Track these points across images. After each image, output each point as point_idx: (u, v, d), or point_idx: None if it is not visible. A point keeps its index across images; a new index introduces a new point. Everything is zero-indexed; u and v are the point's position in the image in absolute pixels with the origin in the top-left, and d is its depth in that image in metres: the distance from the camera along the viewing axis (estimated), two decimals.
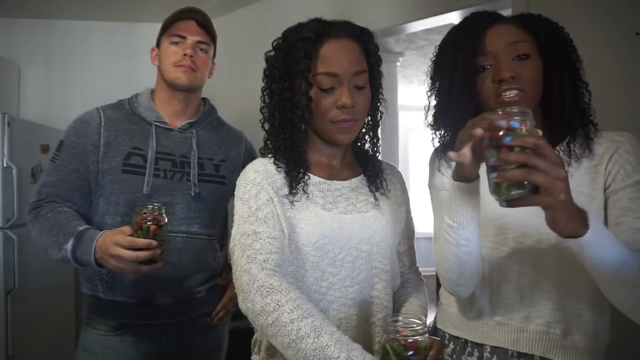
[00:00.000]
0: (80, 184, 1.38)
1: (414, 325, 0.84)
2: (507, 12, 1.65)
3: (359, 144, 1.14)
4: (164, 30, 1.46)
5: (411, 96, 6.19)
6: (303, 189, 1.01)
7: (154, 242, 1.14)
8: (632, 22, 1.62)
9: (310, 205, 1.01)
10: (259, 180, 1.01)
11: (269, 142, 1.07)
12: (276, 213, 0.98)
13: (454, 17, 2.16)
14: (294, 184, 1.01)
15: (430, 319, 1.18)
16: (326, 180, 1.06)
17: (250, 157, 1.54)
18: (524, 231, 1.00)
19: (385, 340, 0.84)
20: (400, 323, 0.84)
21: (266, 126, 1.07)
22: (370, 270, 1.03)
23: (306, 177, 1.03)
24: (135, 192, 1.36)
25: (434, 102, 1.10)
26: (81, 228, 1.27)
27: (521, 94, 0.96)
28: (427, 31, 3.23)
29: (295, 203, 1.00)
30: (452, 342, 1.10)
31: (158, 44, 1.48)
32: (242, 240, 0.96)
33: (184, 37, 1.42)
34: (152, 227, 1.15)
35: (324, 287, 0.99)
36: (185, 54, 1.41)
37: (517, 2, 1.89)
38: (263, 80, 1.06)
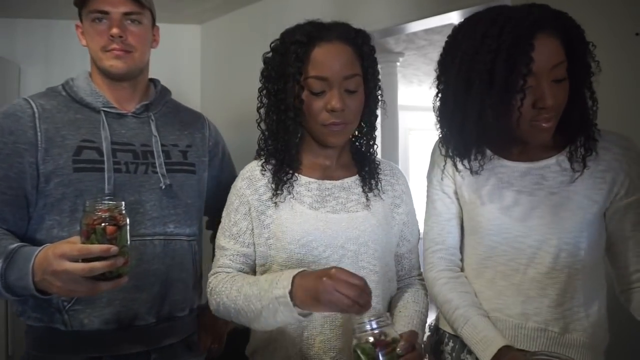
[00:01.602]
0: (11, 195, 1.09)
1: (380, 322, 0.83)
2: None
3: (357, 144, 1.15)
4: (82, 5, 1.17)
5: (411, 96, 6.19)
6: (287, 190, 1.06)
7: (114, 248, 0.86)
8: (632, 22, 1.62)
9: (296, 205, 1.05)
10: (242, 190, 1.09)
11: (262, 142, 1.10)
12: (251, 227, 1.07)
13: (454, 17, 2.15)
14: (279, 185, 1.05)
15: (430, 319, 1.18)
16: (316, 180, 1.08)
17: (216, 142, 1.40)
18: (523, 230, 1.00)
19: (354, 345, 0.84)
20: (367, 323, 0.84)
21: (262, 126, 1.10)
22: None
23: (293, 178, 1.07)
24: (96, 193, 1.12)
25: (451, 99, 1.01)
26: (13, 246, 1.00)
27: (554, 120, 0.96)
28: (427, 31, 3.23)
29: (279, 204, 1.05)
30: (451, 341, 1.10)
31: (81, 19, 1.20)
32: (216, 251, 1.12)
33: (106, 12, 1.14)
34: (110, 228, 0.87)
35: None
36: (112, 36, 1.14)
37: (516, 2, 1.89)
38: (260, 80, 1.09)
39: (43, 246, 0.96)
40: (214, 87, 3.31)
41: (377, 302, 1.04)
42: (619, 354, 1.14)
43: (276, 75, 1.04)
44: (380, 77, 1.11)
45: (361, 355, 0.82)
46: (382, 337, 0.82)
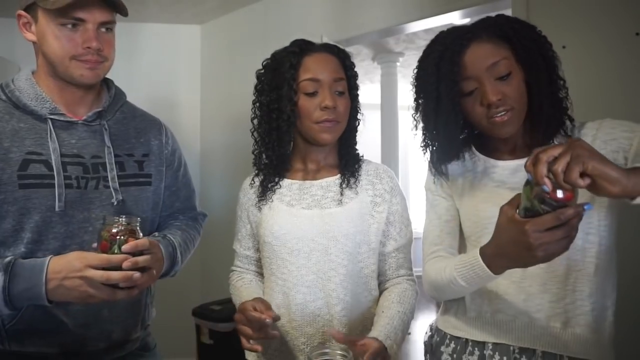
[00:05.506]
0: None
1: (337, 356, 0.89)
2: (507, 12, 1.65)
3: (345, 146, 1.23)
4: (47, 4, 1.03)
5: (411, 96, 6.19)
6: (271, 193, 1.20)
7: (131, 258, 0.93)
8: (632, 22, 1.62)
9: (276, 204, 1.18)
10: (242, 201, 1.27)
11: (256, 152, 1.22)
12: (249, 231, 1.26)
13: (454, 17, 2.16)
14: (265, 191, 1.20)
15: (431, 319, 1.18)
16: (299, 181, 1.20)
17: (172, 150, 1.29)
18: None
19: None
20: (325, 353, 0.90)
21: (256, 135, 1.21)
22: (327, 263, 1.12)
23: (278, 183, 1.20)
24: (45, 212, 1.03)
25: (420, 119, 1.10)
26: (7, 259, 0.96)
27: (510, 112, 0.99)
28: (427, 31, 3.23)
29: (262, 207, 1.20)
30: (452, 342, 1.11)
31: (27, 10, 1.09)
32: (234, 254, 1.32)
33: (81, 20, 1.04)
34: (130, 241, 0.95)
35: (285, 274, 1.15)
36: (89, 47, 1.05)
37: (517, 2, 1.89)
38: (254, 94, 1.20)
39: (49, 257, 0.96)
40: (214, 87, 3.32)
41: (345, 294, 1.12)
42: (626, 345, 1.13)
43: (269, 87, 1.16)
44: (359, 82, 1.23)
45: None
46: None
